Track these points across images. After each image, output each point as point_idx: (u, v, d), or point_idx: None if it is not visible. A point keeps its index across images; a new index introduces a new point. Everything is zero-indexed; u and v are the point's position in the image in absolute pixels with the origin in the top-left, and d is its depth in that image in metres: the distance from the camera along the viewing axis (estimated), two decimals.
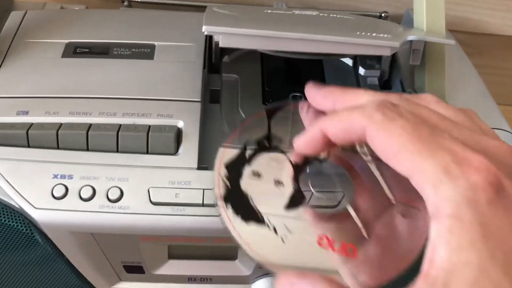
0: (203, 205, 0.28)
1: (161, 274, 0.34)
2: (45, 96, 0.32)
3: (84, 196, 0.28)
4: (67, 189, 0.28)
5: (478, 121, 0.22)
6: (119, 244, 0.31)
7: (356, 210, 0.25)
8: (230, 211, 0.25)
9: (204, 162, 0.29)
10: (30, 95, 0.32)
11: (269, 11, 0.36)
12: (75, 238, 0.29)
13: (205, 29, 0.28)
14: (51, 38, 0.36)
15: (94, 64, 0.34)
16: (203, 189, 0.29)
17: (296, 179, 0.27)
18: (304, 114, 0.27)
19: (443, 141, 0.19)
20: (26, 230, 0.29)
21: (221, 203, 0.25)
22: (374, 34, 0.30)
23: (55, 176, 0.29)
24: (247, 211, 0.25)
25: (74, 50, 0.35)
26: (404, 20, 0.41)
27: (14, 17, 0.38)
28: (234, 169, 0.26)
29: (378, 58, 0.37)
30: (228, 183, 0.26)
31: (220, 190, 0.26)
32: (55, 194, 0.28)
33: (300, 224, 0.25)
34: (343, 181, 0.28)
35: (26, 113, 0.31)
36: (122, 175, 0.29)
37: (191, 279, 0.34)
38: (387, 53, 0.30)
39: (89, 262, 0.32)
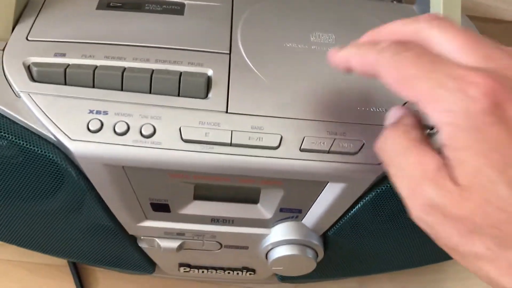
0: (231, 144, 0.29)
1: (186, 213, 0.34)
2: (81, 41, 0.33)
3: (118, 130, 0.29)
4: (102, 123, 0.29)
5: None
6: (148, 180, 0.31)
7: None
8: None
9: (233, 108, 0.30)
10: (66, 39, 0.33)
11: None
12: (107, 171, 0.30)
13: None
14: None
15: (127, 16, 0.35)
16: (231, 131, 0.30)
17: None
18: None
19: (445, 65, 0.20)
20: (61, 162, 0.30)
21: None
22: None
23: (91, 112, 0.30)
24: None
25: (108, 4, 0.36)
26: (418, 2, 0.41)
27: None
28: None
29: None
30: None
31: None
32: (91, 128, 0.29)
33: None
34: None
35: (63, 55, 0.32)
36: (155, 114, 0.30)
37: (214, 220, 0.35)
38: None
39: (119, 198, 0.32)
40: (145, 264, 0.42)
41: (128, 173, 0.31)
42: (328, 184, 0.31)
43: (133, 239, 0.38)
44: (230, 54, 0.33)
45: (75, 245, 0.39)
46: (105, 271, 0.49)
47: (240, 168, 0.30)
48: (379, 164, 0.29)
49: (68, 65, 0.31)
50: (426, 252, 0.40)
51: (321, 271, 0.41)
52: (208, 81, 0.31)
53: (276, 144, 0.29)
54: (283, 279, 0.46)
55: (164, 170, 0.30)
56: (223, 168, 0.30)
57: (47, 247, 0.39)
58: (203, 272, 0.43)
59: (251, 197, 0.34)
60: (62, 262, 0.49)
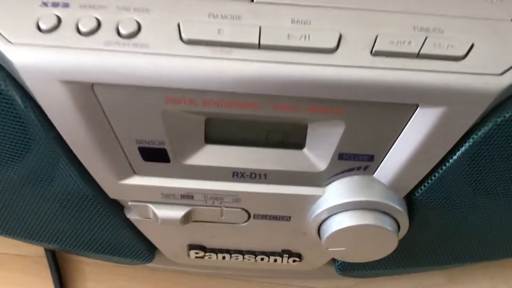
0: (259, 47, 0.27)
1: (194, 164, 0.32)
2: None
3: (83, 29, 0.26)
4: (59, 20, 0.27)
5: None
6: (133, 109, 0.29)
7: None
8: None
9: None
10: None
11: None
12: (69, 96, 0.27)
13: None
14: None
15: None
16: (260, 26, 0.27)
17: None
18: None
19: None
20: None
21: None
22: None
23: (44, 4, 0.27)
24: None
25: None
26: None
27: None
28: None
29: None
30: None
31: None
32: (42, 26, 0.26)
33: None
34: None
35: None
36: (141, 4, 0.27)
37: (237, 175, 0.33)
38: None
39: (90, 140, 0.30)
40: (140, 247, 0.41)
41: (101, 97, 0.28)
42: (418, 109, 0.29)
43: (120, 209, 0.37)
44: None
45: (48, 225, 0.38)
46: (93, 263, 0.49)
47: (275, 84, 0.27)
48: (503, 73, 0.27)
49: None
50: None
51: (399, 258, 0.40)
52: None
53: (332, 46, 0.27)
54: (344, 269, 0.44)
55: (155, 91, 0.28)
56: (247, 84, 0.27)
57: (14, 228, 0.39)
58: (223, 258, 0.42)
59: (294, 138, 0.32)
60: (38, 252, 0.49)
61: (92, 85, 0.28)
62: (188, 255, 0.42)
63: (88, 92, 0.28)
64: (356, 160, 0.32)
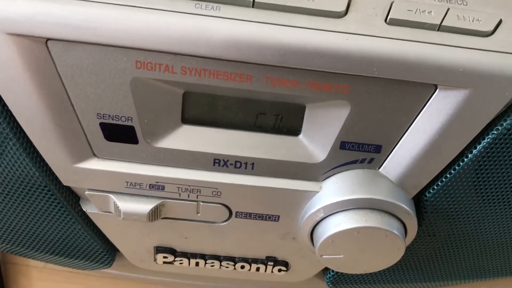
0: (253, 5, 0.25)
1: (167, 148, 0.32)
2: None
3: None
4: None
5: None
6: (95, 73, 0.27)
7: None
8: None
9: None
10: None
11: None
12: (19, 54, 0.25)
13: None
14: None
15: None
16: None
17: None
18: None
19: None
20: None
21: None
22: None
23: None
24: None
25: None
26: None
27: None
28: None
29: None
30: None
31: None
32: None
33: None
34: None
35: None
36: None
37: (219, 163, 0.32)
38: None
39: (42, 114, 0.28)
40: (97, 248, 0.41)
41: (57, 57, 0.27)
42: (436, 92, 0.28)
43: (75, 200, 0.36)
44: None
45: None
46: (42, 267, 0.49)
47: (270, 51, 0.26)
48: None
49: None
50: None
51: (399, 271, 0.40)
52: None
53: (341, 9, 0.25)
54: (336, 282, 0.43)
55: (123, 53, 0.27)
56: (236, 50, 0.26)
57: None
58: (197, 264, 0.41)
59: (289, 121, 0.32)
60: None
61: (46, 41, 0.27)
62: (155, 259, 0.41)
63: (41, 50, 0.27)
64: (360, 150, 0.31)
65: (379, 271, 0.38)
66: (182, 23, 0.26)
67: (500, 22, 0.27)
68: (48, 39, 0.26)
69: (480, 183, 0.33)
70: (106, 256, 0.40)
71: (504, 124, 0.30)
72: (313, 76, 0.27)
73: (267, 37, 0.26)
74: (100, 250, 0.40)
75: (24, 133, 0.30)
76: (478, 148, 0.30)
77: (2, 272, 0.49)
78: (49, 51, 0.27)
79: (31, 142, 0.31)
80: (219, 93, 0.29)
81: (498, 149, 0.31)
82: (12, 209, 0.37)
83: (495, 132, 0.30)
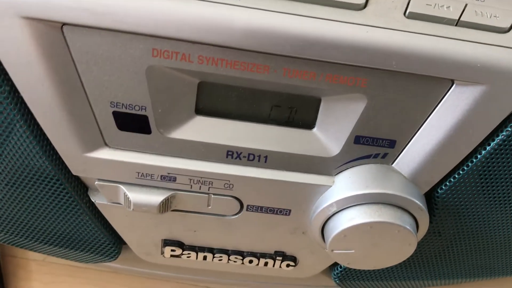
0: None
1: (180, 139, 0.31)
2: None
3: None
4: None
5: None
6: (110, 60, 0.27)
7: None
8: None
9: None
10: None
11: None
12: (33, 38, 0.25)
13: None
14: None
15: None
16: None
17: None
18: None
19: None
20: None
21: None
22: None
23: None
24: None
25: None
26: None
27: None
28: None
29: None
30: None
31: None
32: None
33: None
34: None
35: None
36: None
37: (232, 155, 0.32)
38: None
39: (55, 101, 0.28)
40: (104, 240, 0.41)
41: (72, 42, 0.26)
42: (453, 87, 0.28)
43: (83, 190, 0.36)
44: None
45: None
46: (42, 260, 0.50)
47: (290, 41, 0.25)
48: None
49: None
50: None
51: (407, 268, 0.39)
52: None
53: (361, 1, 0.25)
54: (343, 279, 0.43)
55: (140, 40, 0.26)
56: (255, 40, 0.26)
57: None
58: (204, 258, 0.41)
59: (303, 114, 0.32)
60: None
61: (62, 26, 0.26)
62: (162, 252, 0.41)
63: (56, 35, 0.26)
64: (374, 145, 0.31)
65: (385, 268, 0.38)
66: (202, 11, 0.25)
67: None
68: (63, 24, 0.25)
69: (492, 180, 0.32)
70: (112, 248, 0.40)
71: None
72: (331, 68, 0.27)
73: (287, 27, 0.26)
74: (107, 243, 0.40)
75: (35, 119, 0.30)
76: (492, 145, 0.30)
77: (1, 265, 0.48)
78: (64, 37, 0.26)
79: (41, 130, 0.30)
80: (234, 84, 0.28)
81: None
82: (17, 197, 0.37)
83: (509, 129, 0.29)
